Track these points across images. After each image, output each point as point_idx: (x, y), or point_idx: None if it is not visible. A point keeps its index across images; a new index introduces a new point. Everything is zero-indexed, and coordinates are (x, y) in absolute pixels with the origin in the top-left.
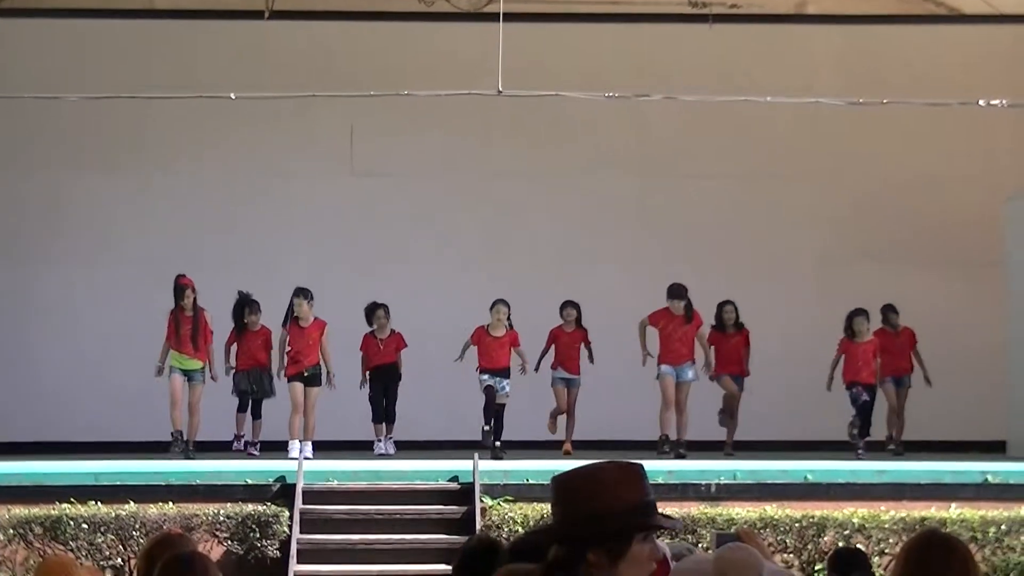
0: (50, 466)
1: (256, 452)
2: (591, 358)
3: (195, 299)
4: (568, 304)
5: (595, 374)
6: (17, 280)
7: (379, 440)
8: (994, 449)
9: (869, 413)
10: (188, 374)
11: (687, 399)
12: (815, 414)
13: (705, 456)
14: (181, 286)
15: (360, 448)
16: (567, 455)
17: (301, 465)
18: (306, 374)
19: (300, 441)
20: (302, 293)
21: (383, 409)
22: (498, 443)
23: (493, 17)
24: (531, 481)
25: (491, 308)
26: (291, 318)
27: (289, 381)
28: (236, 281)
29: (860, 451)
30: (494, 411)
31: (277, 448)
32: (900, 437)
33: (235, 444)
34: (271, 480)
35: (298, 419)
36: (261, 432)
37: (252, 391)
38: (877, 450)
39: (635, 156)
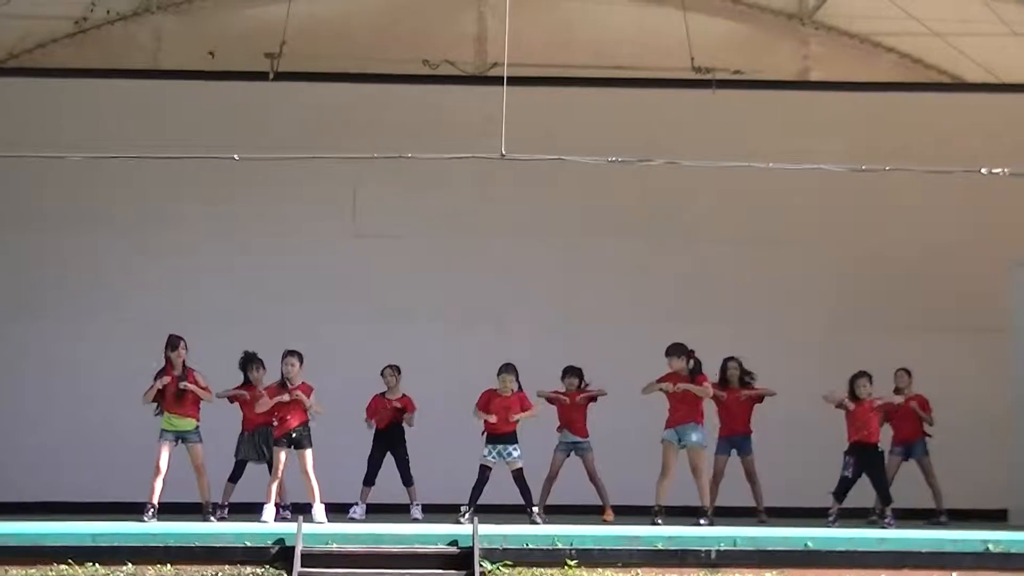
0: (47, 527)
1: (288, 514)
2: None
3: (184, 360)
4: (568, 371)
5: (598, 438)
6: (14, 338)
7: (359, 504)
8: (996, 517)
9: (845, 489)
10: (181, 436)
11: (703, 463)
12: (818, 481)
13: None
14: (170, 343)
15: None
16: (605, 522)
17: (300, 528)
18: (293, 435)
19: (282, 507)
20: (292, 354)
21: (376, 473)
22: (535, 508)
23: (497, 80)
24: (531, 546)
25: (498, 375)
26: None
27: (274, 445)
28: (237, 341)
29: (830, 518)
30: (481, 493)
31: (305, 510)
32: (940, 505)
33: (214, 513)
34: (270, 542)
35: (275, 485)
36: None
37: (258, 456)
38: (858, 517)
39: (638, 219)
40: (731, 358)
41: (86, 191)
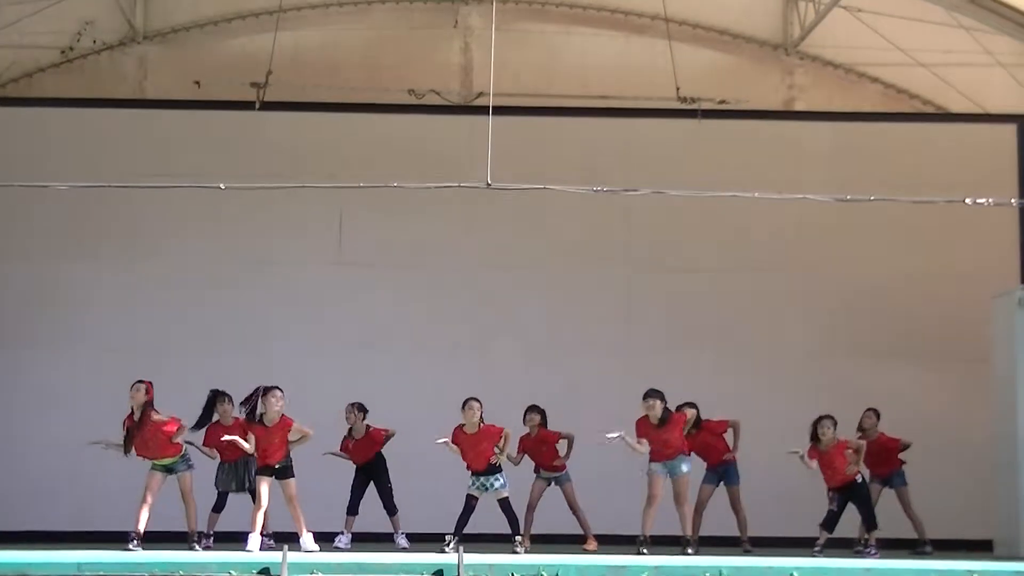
0: (31, 556)
1: (271, 543)
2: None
3: (146, 402)
4: (531, 409)
5: (583, 467)
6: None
7: (344, 533)
8: (981, 548)
9: (832, 521)
10: (169, 469)
11: (686, 492)
12: (803, 510)
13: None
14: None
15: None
16: (588, 552)
17: (285, 557)
18: (276, 466)
19: (265, 536)
20: (268, 391)
21: (358, 502)
22: (518, 537)
23: (482, 110)
24: (516, 575)
25: (463, 407)
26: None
27: (257, 474)
28: (220, 369)
29: (816, 548)
30: (467, 522)
31: (288, 539)
32: (923, 535)
33: (199, 543)
34: (255, 572)
35: (259, 513)
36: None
37: (237, 487)
38: (844, 547)
39: (622, 248)
40: (684, 404)
41: (71, 220)
